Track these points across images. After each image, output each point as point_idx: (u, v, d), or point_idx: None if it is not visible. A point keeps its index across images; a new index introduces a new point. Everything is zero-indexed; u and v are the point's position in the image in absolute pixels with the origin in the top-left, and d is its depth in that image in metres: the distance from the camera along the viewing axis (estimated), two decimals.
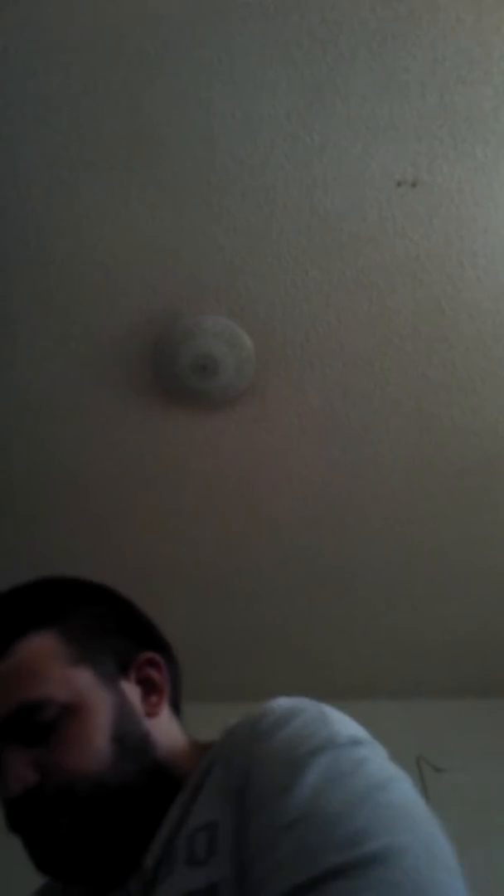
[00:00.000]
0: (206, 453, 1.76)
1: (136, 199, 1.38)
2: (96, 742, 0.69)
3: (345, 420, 1.72)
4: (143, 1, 1.17)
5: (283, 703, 0.66)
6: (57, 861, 0.67)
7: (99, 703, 0.71)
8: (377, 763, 0.59)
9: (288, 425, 1.73)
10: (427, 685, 2.31)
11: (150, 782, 0.70)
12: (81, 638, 0.75)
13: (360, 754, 0.59)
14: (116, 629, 0.78)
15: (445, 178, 1.37)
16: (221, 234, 1.43)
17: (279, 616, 2.13)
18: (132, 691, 0.75)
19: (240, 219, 1.41)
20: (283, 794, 0.56)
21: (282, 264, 1.47)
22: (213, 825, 0.61)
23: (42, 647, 0.73)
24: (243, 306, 1.53)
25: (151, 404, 1.68)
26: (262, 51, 1.22)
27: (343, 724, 0.63)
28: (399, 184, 1.38)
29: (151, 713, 0.75)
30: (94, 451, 1.76)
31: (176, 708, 0.81)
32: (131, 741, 0.71)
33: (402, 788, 0.57)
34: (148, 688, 0.77)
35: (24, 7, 1.17)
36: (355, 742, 0.61)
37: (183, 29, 1.20)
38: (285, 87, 1.26)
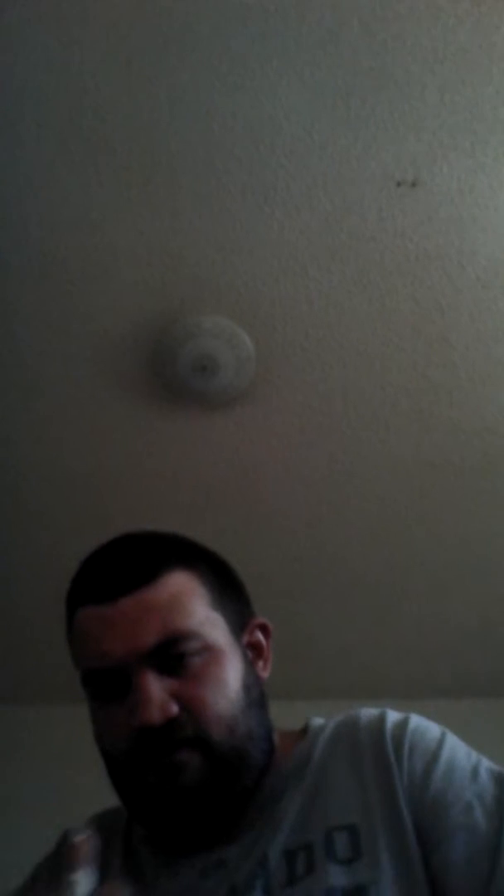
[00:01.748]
0: (206, 453, 1.76)
1: (136, 199, 1.38)
2: (232, 686, 0.69)
3: (345, 420, 1.72)
4: (143, 1, 1.17)
5: (390, 712, 0.71)
6: (176, 802, 0.65)
7: (231, 651, 0.72)
8: None
9: (288, 425, 1.72)
10: (427, 685, 2.31)
11: (268, 740, 0.72)
12: (215, 587, 0.75)
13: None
14: (235, 588, 0.79)
15: (445, 178, 1.37)
16: (221, 234, 1.43)
17: (279, 616, 2.12)
18: (245, 653, 0.75)
19: (240, 219, 1.41)
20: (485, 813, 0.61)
21: (282, 264, 1.47)
22: (353, 828, 0.63)
23: (188, 583, 0.72)
24: (243, 306, 1.52)
25: (151, 404, 1.67)
26: (262, 51, 1.22)
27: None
28: (399, 184, 1.38)
29: (259, 679, 0.76)
30: (93, 450, 1.76)
31: None
32: (256, 696, 0.72)
33: None
34: (256, 653, 0.77)
35: (24, 7, 1.17)
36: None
37: (183, 29, 1.20)
38: (285, 87, 1.26)
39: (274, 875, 0.63)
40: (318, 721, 0.76)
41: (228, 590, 0.76)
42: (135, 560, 0.72)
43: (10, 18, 1.18)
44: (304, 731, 0.77)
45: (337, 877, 0.60)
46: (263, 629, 0.80)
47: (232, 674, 0.70)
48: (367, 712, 0.73)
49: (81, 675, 0.71)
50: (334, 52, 1.22)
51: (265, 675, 0.76)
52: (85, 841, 0.65)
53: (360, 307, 1.54)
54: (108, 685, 0.68)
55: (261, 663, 0.77)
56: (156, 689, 0.65)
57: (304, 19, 1.19)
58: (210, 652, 0.69)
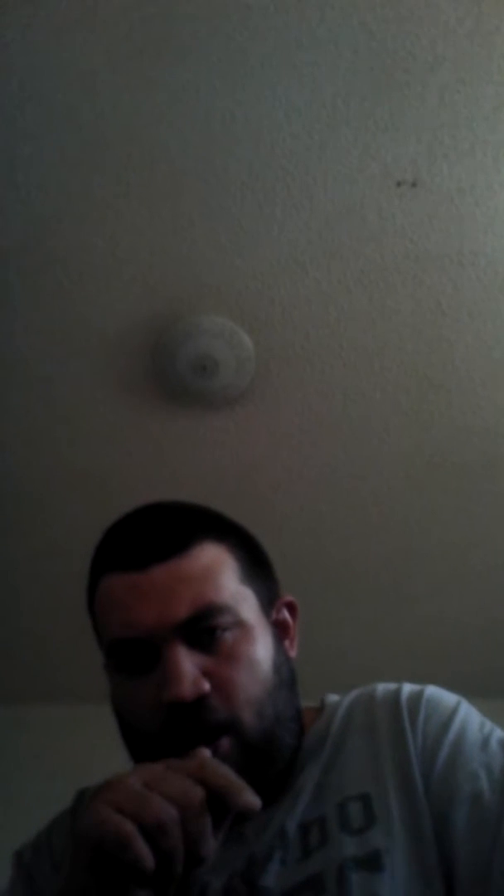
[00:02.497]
0: (206, 453, 1.76)
1: (136, 199, 1.38)
2: (263, 667, 0.67)
3: (345, 420, 1.72)
4: (143, 1, 1.17)
5: (407, 684, 0.71)
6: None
7: (261, 628, 0.70)
8: None
9: (288, 425, 1.72)
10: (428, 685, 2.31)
11: (296, 721, 0.70)
12: (245, 561, 0.72)
13: None
14: (264, 564, 0.77)
15: (445, 178, 1.37)
16: (221, 234, 1.43)
17: None
18: (274, 631, 0.73)
19: (240, 219, 1.41)
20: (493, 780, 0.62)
21: (282, 264, 1.47)
22: (366, 797, 0.63)
23: (220, 556, 0.70)
24: (243, 306, 1.52)
25: (151, 404, 1.67)
26: (262, 51, 1.22)
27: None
28: (399, 184, 1.37)
29: (288, 658, 0.74)
30: (93, 450, 1.76)
31: None
32: (286, 676, 0.70)
33: None
34: (283, 632, 0.75)
35: (23, 7, 1.17)
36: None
37: (183, 29, 1.20)
38: (285, 87, 1.26)
39: (291, 848, 0.63)
40: (333, 697, 0.76)
41: (257, 565, 0.74)
42: (167, 529, 0.69)
43: (11, 18, 1.18)
44: (321, 708, 0.76)
45: (349, 847, 0.60)
46: (290, 607, 0.78)
47: (263, 653, 0.68)
48: (384, 686, 0.73)
49: (107, 645, 0.68)
50: (334, 52, 1.22)
51: (293, 653, 0.75)
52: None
53: (360, 307, 1.54)
54: (136, 657, 0.65)
55: (287, 642, 0.75)
56: (187, 663, 0.63)
57: (304, 19, 1.19)
58: (242, 628, 0.67)
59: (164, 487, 1.83)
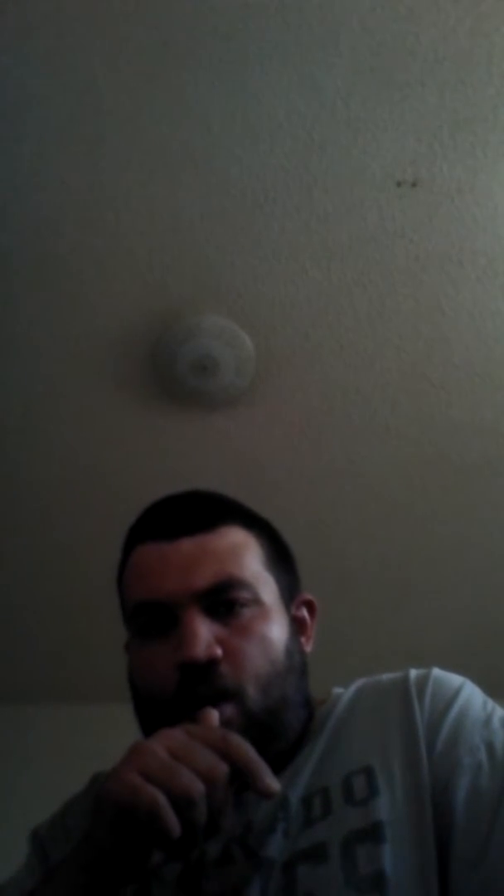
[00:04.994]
0: (205, 453, 1.76)
1: (136, 199, 1.38)
2: (276, 647, 0.70)
3: (345, 420, 1.72)
4: (142, 1, 1.17)
5: (411, 669, 0.73)
6: None
7: (279, 614, 0.73)
8: None
9: (288, 425, 1.72)
10: None
11: (304, 708, 0.72)
12: (269, 551, 0.76)
13: None
14: (287, 560, 0.81)
15: (445, 178, 1.37)
16: (221, 234, 1.43)
17: None
18: (292, 621, 0.76)
19: (240, 219, 1.41)
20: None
21: (282, 264, 1.47)
22: (369, 769, 0.64)
23: (246, 540, 0.74)
24: (243, 306, 1.52)
25: (151, 404, 1.67)
26: (262, 51, 1.22)
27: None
28: (399, 184, 1.37)
29: (302, 649, 0.76)
30: (93, 450, 1.76)
31: None
32: (297, 663, 0.72)
33: None
34: (300, 628, 0.78)
35: (24, 8, 1.17)
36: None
37: (183, 29, 1.20)
38: (285, 87, 1.26)
39: (293, 819, 0.64)
40: (339, 689, 0.78)
41: (281, 559, 0.78)
42: (197, 508, 0.75)
43: (11, 19, 1.18)
44: (326, 699, 0.78)
45: (353, 819, 0.61)
46: (309, 606, 0.80)
47: (277, 634, 0.70)
48: (390, 674, 0.75)
49: (131, 609, 0.72)
50: (334, 52, 1.22)
51: (307, 649, 0.77)
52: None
53: (360, 307, 1.54)
54: (156, 621, 0.69)
55: (303, 639, 0.77)
56: (203, 627, 0.66)
57: (304, 19, 1.19)
58: (259, 607, 0.70)
59: (164, 487, 1.82)
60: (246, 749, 0.53)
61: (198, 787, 0.49)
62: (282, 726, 0.68)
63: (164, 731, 0.54)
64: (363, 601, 2.11)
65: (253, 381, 1.63)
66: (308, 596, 0.81)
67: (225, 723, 0.62)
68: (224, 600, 0.68)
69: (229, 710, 0.64)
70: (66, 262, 1.46)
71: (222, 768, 0.51)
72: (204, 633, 0.65)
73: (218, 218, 1.41)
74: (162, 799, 0.48)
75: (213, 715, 0.59)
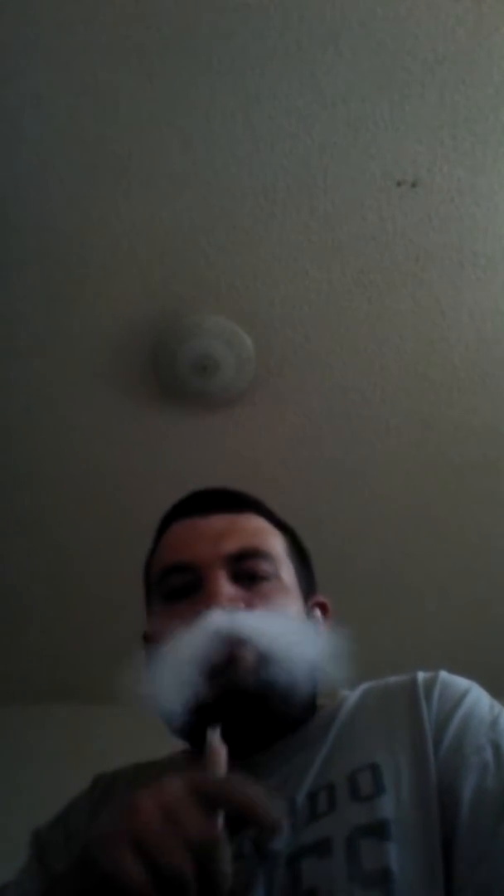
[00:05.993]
0: (205, 453, 1.76)
1: (136, 199, 1.38)
2: (291, 619, 0.74)
3: (345, 420, 1.72)
4: (142, 1, 1.17)
5: (419, 672, 0.74)
6: (227, 699, 0.66)
7: (296, 597, 0.78)
8: None
9: (288, 425, 1.72)
10: None
11: (312, 685, 0.74)
12: (291, 547, 0.83)
13: None
14: (306, 561, 0.86)
15: (445, 178, 1.37)
16: (221, 234, 1.43)
17: None
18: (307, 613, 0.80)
19: (240, 219, 1.41)
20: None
21: (282, 264, 1.47)
22: (375, 766, 0.65)
23: (270, 529, 0.82)
24: (243, 306, 1.52)
25: (151, 404, 1.67)
26: (262, 51, 1.22)
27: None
28: (399, 184, 1.38)
29: None
30: (93, 450, 1.76)
31: None
32: (310, 642, 0.74)
33: None
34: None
35: (23, 6, 1.17)
36: None
37: (183, 29, 1.20)
38: (285, 87, 1.26)
39: (299, 814, 0.64)
40: (346, 692, 0.79)
41: (301, 558, 0.84)
42: (229, 494, 0.83)
43: (11, 18, 1.18)
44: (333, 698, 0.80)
45: (358, 814, 0.61)
46: (323, 608, 0.84)
47: (294, 610, 0.75)
48: (397, 676, 0.77)
49: (159, 574, 0.77)
50: (334, 52, 1.22)
51: None
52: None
53: (360, 307, 1.54)
54: (182, 583, 0.74)
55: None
56: (227, 585, 0.72)
57: (304, 19, 1.19)
58: (280, 582, 0.75)
59: (164, 487, 1.83)
60: (247, 792, 0.51)
61: (188, 867, 0.47)
62: (292, 688, 0.69)
63: (163, 782, 0.52)
64: (363, 601, 2.11)
65: (253, 381, 1.63)
66: (323, 598, 0.84)
67: (244, 670, 0.66)
68: (248, 569, 0.74)
69: (248, 655, 0.67)
70: (66, 262, 1.46)
71: (217, 835, 0.49)
72: (227, 590, 0.71)
73: (218, 218, 1.41)
74: (143, 879, 0.46)
75: (221, 753, 0.58)
